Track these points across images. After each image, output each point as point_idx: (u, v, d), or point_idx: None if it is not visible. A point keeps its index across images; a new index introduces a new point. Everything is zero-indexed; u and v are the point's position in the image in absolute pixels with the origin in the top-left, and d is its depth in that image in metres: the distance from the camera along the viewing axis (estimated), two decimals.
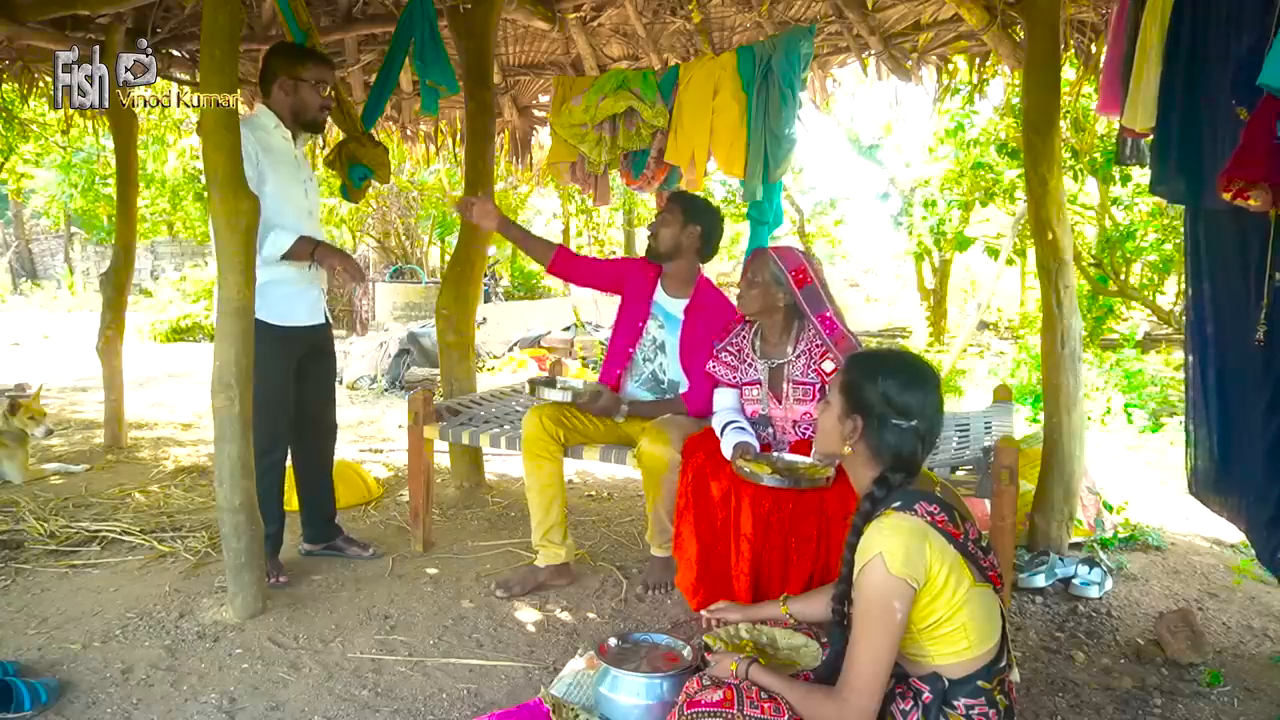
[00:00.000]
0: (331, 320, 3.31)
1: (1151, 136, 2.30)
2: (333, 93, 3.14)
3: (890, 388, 1.65)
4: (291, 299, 2.99)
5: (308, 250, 2.92)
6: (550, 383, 3.09)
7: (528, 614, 2.81)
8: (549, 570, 2.97)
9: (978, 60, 4.32)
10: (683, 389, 3.06)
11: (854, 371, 1.72)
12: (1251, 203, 1.77)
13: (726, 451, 2.55)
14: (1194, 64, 2.07)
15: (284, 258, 2.89)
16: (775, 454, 2.58)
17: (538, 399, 2.99)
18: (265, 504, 2.97)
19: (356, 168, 3.64)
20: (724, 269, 16.88)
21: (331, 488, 3.38)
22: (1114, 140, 2.47)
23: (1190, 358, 2.34)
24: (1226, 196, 1.79)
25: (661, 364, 3.10)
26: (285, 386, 3.02)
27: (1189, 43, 2.08)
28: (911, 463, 1.64)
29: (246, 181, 2.63)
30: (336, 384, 3.40)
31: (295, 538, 3.38)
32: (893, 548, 1.49)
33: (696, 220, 3.03)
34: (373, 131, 3.81)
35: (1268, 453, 2.04)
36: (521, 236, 3.27)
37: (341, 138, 3.78)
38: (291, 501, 3.78)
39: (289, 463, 3.25)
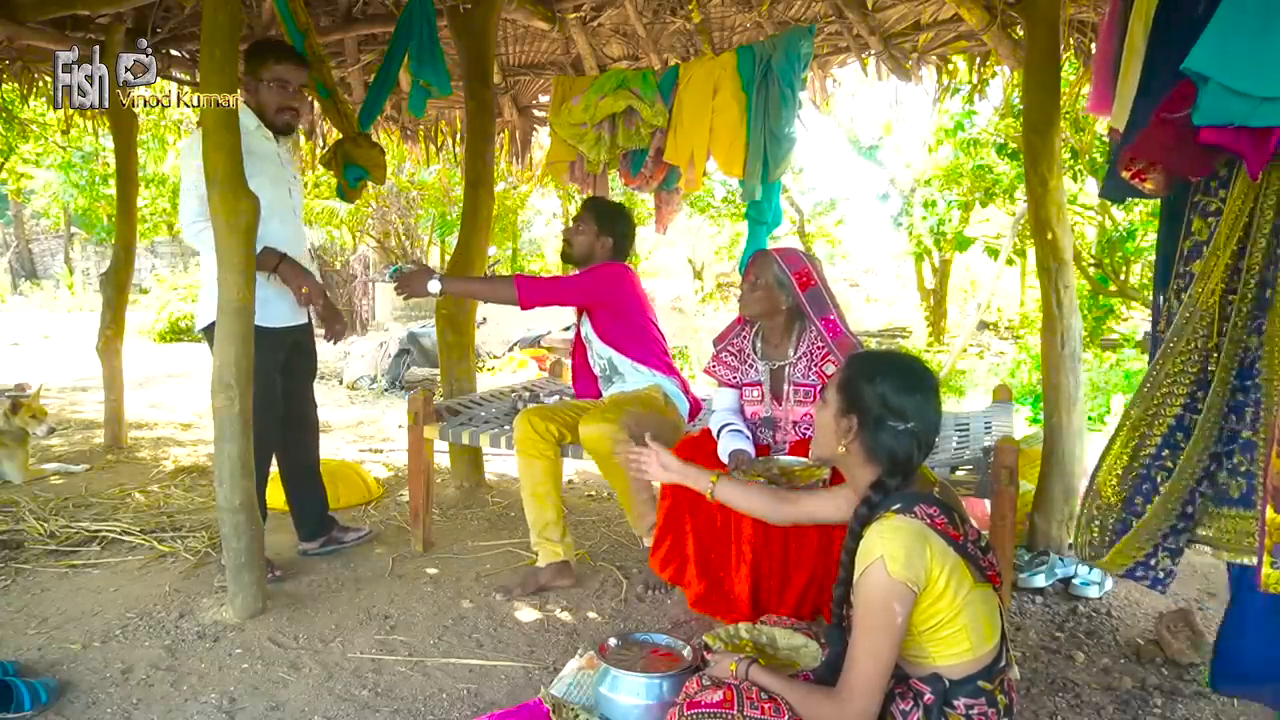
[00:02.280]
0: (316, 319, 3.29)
1: None
2: (304, 94, 3.11)
3: (887, 389, 1.64)
4: (275, 299, 2.98)
5: (272, 263, 2.89)
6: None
7: (528, 614, 2.81)
8: (550, 570, 2.97)
9: (978, 60, 4.32)
10: (620, 365, 3.14)
11: (852, 371, 1.71)
12: (1147, 185, 1.78)
13: (722, 456, 2.55)
14: (1160, 63, 2.07)
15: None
16: (771, 458, 2.57)
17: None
18: (308, 494, 3.10)
19: (352, 168, 3.64)
20: (723, 269, 16.90)
21: (322, 483, 3.37)
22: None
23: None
24: (1126, 175, 1.80)
25: (596, 351, 3.20)
26: (273, 386, 3.02)
27: (1157, 41, 2.09)
28: (907, 466, 1.63)
29: (246, 181, 2.63)
30: (317, 381, 3.41)
31: (293, 538, 3.38)
32: (894, 551, 1.48)
33: (609, 232, 3.19)
34: (370, 132, 3.81)
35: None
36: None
37: (337, 138, 3.78)
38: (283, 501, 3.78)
39: (276, 463, 3.25)
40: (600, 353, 3.19)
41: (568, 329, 9.89)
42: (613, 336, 3.13)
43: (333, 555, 3.30)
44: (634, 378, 3.14)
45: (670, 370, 3.19)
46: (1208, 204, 1.81)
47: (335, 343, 3.34)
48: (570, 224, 3.27)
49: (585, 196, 3.56)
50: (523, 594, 2.93)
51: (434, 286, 2.99)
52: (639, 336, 3.15)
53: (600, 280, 3.11)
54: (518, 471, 2.99)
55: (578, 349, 3.35)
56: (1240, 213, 1.74)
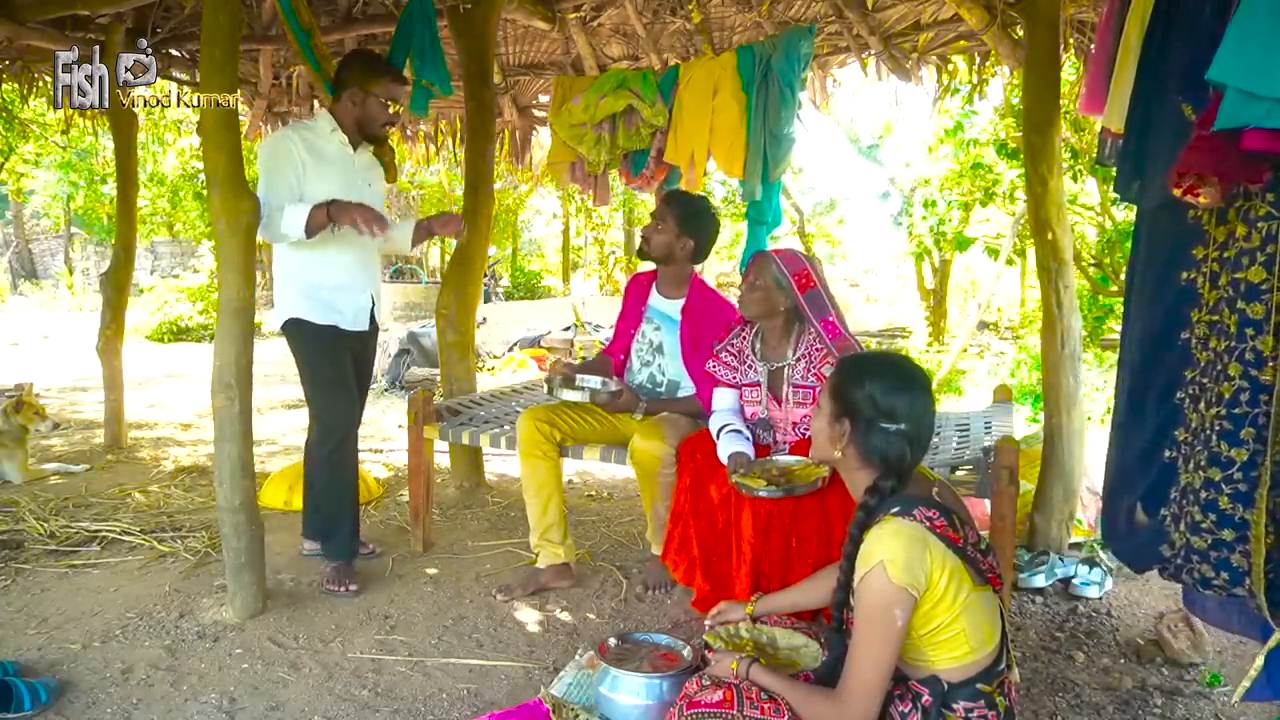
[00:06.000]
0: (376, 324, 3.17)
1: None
2: (399, 109, 3.09)
3: (877, 391, 1.64)
4: (335, 301, 2.93)
5: (323, 214, 2.73)
6: (569, 381, 2.99)
7: (528, 614, 2.81)
8: (550, 571, 2.96)
9: (978, 60, 4.32)
10: (681, 389, 3.06)
11: (842, 375, 1.71)
12: (1201, 199, 1.78)
13: (722, 458, 2.55)
14: (1160, 64, 2.08)
15: (309, 234, 2.73)
16: (770, 458, 2.57)
17: (554, 398, 2.95)
18: (338, 503, 2.95)
19: None
20: (723, 269, 16.92)
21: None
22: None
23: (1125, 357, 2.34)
24: (1177, 192, 1.80)
25: (660, 365, 3.10)
26: (344, 381, 2.96)
27: (1160, 43, 2.09)
28: (901, 466, 1.63)
29: (246, 182, 2.63)
30: (368, 380, 3.29)
31: (295, 538, 3.38)
32: (894, 555, 1.48)
33: (690, 233, 3.03)
34: None
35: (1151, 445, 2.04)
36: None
37: None
38: (294, 502, 3.78)
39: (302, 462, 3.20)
40: (665, 367, 3.08)
41: (567, 329, 9.89)
42: (696, 363, 2.98)
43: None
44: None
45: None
46: (1251, 209, 1.80)
47: (458, 234, 3.18)
48: (650, 219, 3.12)
49: (670, 190, 3.28)
50: (523, 594, 2.92)
51: (640, 411, 2.97)
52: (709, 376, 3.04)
53: (728, 318, 2.94)
54: (520, 473, 2.98)
55: (621, 345, 3.21)
56: None
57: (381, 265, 3.28)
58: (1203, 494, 1.85)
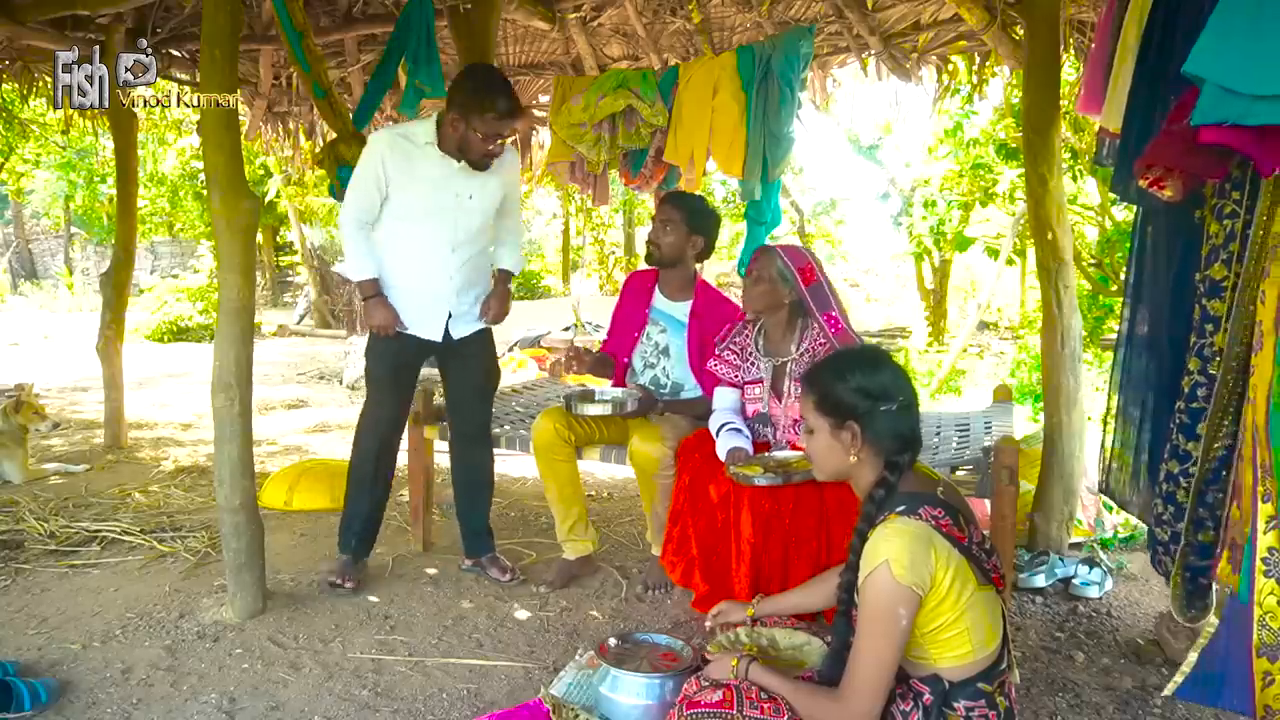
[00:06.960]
0: (459, 333, 2.97)
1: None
2: (503, 143, 2.85)
3: (861, 380, 1.65)
4: (399, 301, 2.85)
5: (367, 294, 2.82)
6: (588, 396, 2.99)
7: (528, 614, 2.81)
8: (578, 562, 3.07)
9: (978, 60, 4.32)
10: (684, 391, 3.06)
11: (820, 387, 1.70)
12: (1166, 192, 1.78)
13: (721, 454, 2.55)
14: (1160, 65, 2.08)
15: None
16: (769, 454, 2.57)
17: (577, 414, 2.92)
18: (355, 500, 2.96)
19: (345, 168, 3.61)
20: (723, 269, 16.92)
21: (478, 500, 3.15)
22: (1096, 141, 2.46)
23: (1119, 354, 2.36)
24: (1143, 184, 1.80)
25: (664, 368, 3.09)
26: (392, 385, 2.96)
27: (1158, 43, 2.10)
28: (912, 438, 1.65)
29: (246, 182, 2.63)
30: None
31: (295, 538, 3.37)
32: (898, 554, 1.48)
33: (701, 231, 3.04)
34: (365, 132, 3.81)
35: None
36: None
37: (331, 137, 3.78)
38: (294, 502, 3.79)
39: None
40: (670, 369, 3.07)
41: (567, 329, 9.88)
42: (704, 364, 2.97)
43: (478, 573, 3.15)
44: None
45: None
46: (1222, 206, 1.80)
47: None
48: (655, 222, 3.08)
49: (666, 192, 3.24)
50: (559, 584, 3.02)
51: (658, 413, 2.97)
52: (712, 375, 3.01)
53: (733, 318, 2.91)
54: (540, 474, 3.01)
55: (623, 346, 3.18)
56: (1267, 214, 1.71)
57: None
58: (1164, 486, 1.86)
